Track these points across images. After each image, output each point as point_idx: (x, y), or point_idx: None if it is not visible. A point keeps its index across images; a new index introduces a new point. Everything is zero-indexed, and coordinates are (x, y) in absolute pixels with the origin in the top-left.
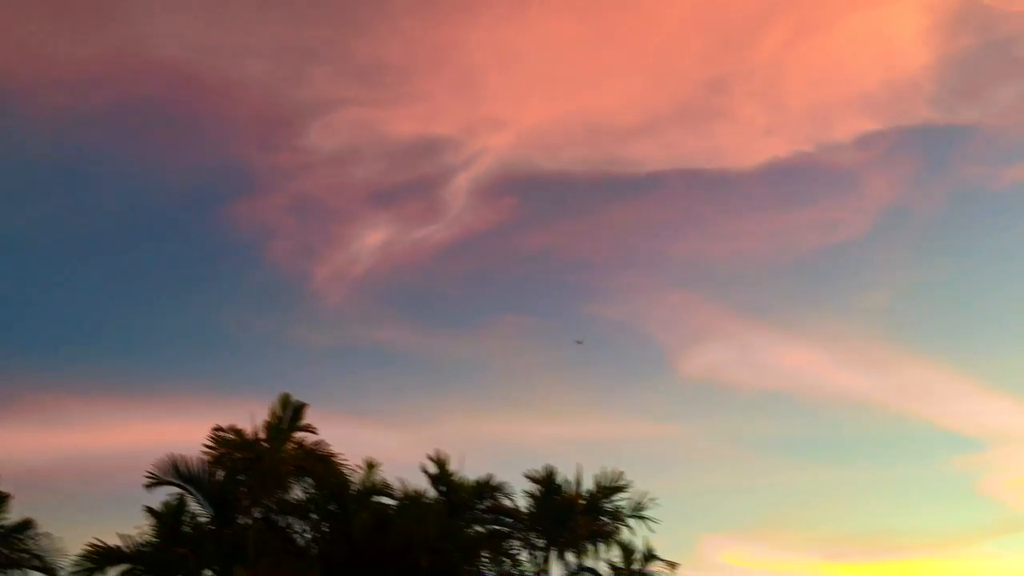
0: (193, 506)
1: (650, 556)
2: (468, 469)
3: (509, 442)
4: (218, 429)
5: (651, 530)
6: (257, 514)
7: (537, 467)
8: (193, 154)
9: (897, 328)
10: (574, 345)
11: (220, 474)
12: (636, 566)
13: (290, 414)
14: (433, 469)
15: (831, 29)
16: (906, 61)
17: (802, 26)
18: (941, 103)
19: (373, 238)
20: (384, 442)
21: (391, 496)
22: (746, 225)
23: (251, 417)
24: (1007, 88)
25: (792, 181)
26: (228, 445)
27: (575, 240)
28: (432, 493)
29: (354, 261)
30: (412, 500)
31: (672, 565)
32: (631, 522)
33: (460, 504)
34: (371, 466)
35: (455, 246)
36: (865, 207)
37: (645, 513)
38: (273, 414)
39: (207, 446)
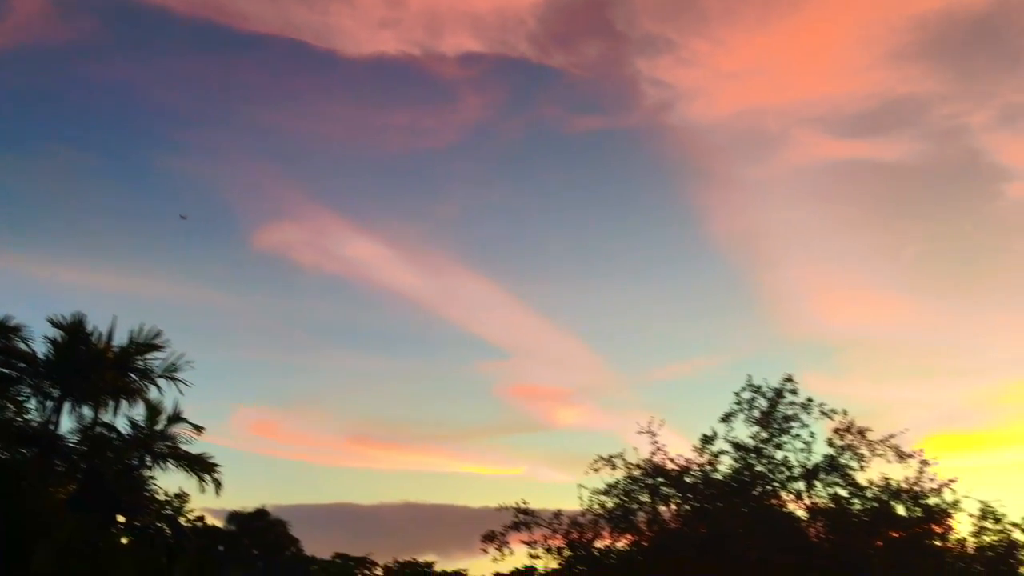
0: None
1: (177, 418)
2: None
3: (41, 284)
4: None
5: (182, 393)
6: None
7: (69, 313)
8: None
9: (457, 239)
10: (136, 194)
11: None
12: (160, 427)
13: None
14: None
15: None
16: None
17: None
18: (538, 42)
19: None
20: None
21: None
22: (343, 112)
23: None
24: (594, 44)
25: (395, 80)
26: None
27: (160, 83)
28: None
29: None
30: None
31: (198, 429)
32: (162, 383)
33: None
34: None
35: (15, 56)
36: (455, 122)
37: (178, 375)
38: None
39: None
